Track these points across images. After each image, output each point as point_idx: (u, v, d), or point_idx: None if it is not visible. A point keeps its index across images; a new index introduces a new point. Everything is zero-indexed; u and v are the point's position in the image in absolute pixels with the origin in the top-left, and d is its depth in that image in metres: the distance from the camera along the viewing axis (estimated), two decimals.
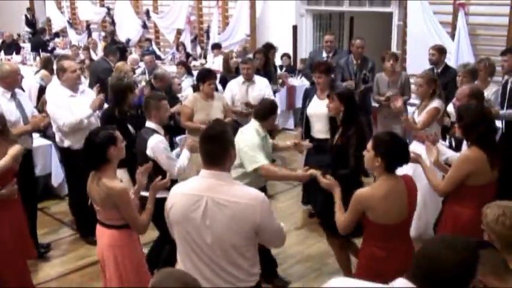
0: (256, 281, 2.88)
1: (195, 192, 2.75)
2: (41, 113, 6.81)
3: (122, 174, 4.57)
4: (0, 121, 4.16)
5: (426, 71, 6.90)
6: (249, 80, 6.58)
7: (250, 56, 8.29)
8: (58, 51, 13.59)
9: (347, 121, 4.46)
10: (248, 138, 4.31)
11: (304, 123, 5.85)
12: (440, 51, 6.81)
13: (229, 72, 7.37)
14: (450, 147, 4.69)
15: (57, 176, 6.51)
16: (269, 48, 8.63)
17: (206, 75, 5.90)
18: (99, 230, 3.59)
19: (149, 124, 4.46)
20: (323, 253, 5.20)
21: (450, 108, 5.50)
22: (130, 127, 5.05)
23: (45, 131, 6.63)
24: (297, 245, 5.48)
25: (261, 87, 6.59)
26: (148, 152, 4.26)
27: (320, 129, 5.63)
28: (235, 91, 6.53)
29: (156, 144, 4.25)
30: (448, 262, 1.82)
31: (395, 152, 3.27)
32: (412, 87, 7.28)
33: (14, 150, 4.05)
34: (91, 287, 4.71)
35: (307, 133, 5.81)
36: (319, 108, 5.57)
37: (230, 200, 2.68)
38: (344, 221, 3.41)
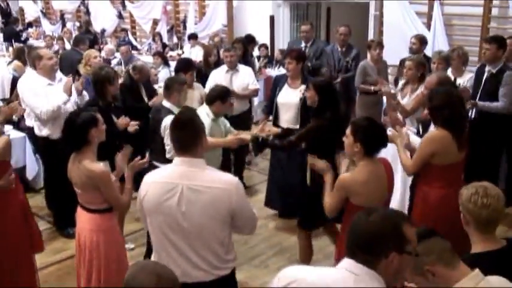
0: (231, 268, 2.90)
1: (168, 180, 2.75)
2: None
3: (105, 165, 4.54)
4: None
5: (403, 59, 7.02)
6: (232, 68, 6.51)
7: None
8: (31, 41, 13.35)
9: (319, 111, 4.40)
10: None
11: (274, 111, 5.67)
12: (421, 40, 6.93)
13: (208, 67, 7.30)
14: (418, 132, 4.73)
15: (32, 169, 6.40)
16: (250, 41, 8.59)
17: (187, 65, 5.96)
18: (80, 213, 3.57)
19: (166, 103, 4.67)
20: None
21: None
22: (114, 118, 4.96)
23: (19, 123, 6.53)
24: (274, 237, 5.50)
25: (245, 76, 6.55)
26: (162, 130, 4.46)
27: (288, 119, 5.51)
28: (218, 80, 6.33)
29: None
30: (372, 224, 1.90)
31: (373, 136, 3.35)
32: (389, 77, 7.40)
33: (1, 142, 3.91)
34: (66, 282, 4.66)
35: (274, 122, 5.63)
36: (289, 97, 5.50)
37: (205, 185, 2.69)
38: (330, 204, 3.52)
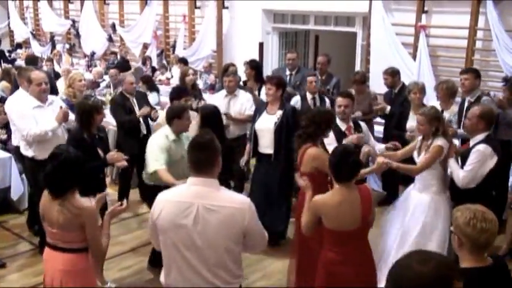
0: (240, 283, 2.99)
1: (184, 199, 2.82)
2: None
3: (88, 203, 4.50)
4: None
5: (386, 92, 7.19)
6: (231, 93, 6.63)
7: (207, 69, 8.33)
8: (19, 62, 13.33)
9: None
10: (153, 141, 4.81)
11: (252, 138, 5.86)
12: (392, 74, 7.03)
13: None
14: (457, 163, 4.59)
15: (17, 190, 6.36)
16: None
17: (182, 92, 6.17)
18: (51, 254, 3.40)
19: None
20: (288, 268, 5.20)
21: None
22: (100, 151, 4.78)
23: (6, 144, 6.51)
24: (262, 260, 5.48)
25: (243, 101, 6.64)
26: None
27: (265, 144, 5.72)
28: (217, 104, 6.27)
29: None
30: (424, 279, 1.81)
31: (339, 165, 3.50)
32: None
33: None
34: None
35: (255, 148, 5.85)
36: (266, 123, 5.68)
37: (220, 205, 2.78)
38: (305, 223, 3.64)
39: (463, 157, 4.54)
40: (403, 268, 1.85)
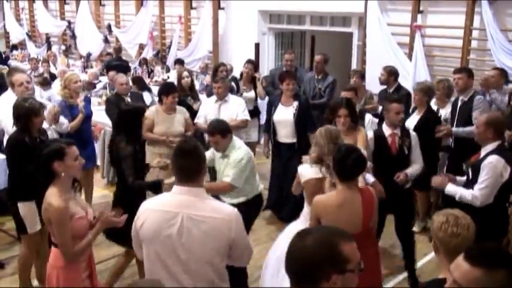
0: None
1: (169, 208, 2.74)
2: None
3: (30, 206, 4.45)
4: None
5: (380, 91, 7.22)
6: (221, 99, 6.51)
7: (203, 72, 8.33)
8: (14, 63, 13.30)
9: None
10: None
11: (272, 129, 6.31)
12: (389, 72, 7.10)
13: (181, 91, 7.12)
14: (468, 177, 4.42)
15: None
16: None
17: (170, 89, 6.04)
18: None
19: None
20: None
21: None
22: None
23: (0, 146, 6.47)
24: (263, 258, 5.46)
25: (234, 107, 6.51)
26: None
27: (286, 135, 6.21)
28: (208, 110, 6.49)
29: None
30: (305, 249, 1.85)
31: (343, 161, 3.45)
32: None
33: None
34: None
35: (274, 138, 6.36)
36: (284, 115, 6.15)
37: (206, 215, 2.70)
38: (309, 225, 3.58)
39: (474, 169, 4.32)
40: (289, 249, 1.91)
